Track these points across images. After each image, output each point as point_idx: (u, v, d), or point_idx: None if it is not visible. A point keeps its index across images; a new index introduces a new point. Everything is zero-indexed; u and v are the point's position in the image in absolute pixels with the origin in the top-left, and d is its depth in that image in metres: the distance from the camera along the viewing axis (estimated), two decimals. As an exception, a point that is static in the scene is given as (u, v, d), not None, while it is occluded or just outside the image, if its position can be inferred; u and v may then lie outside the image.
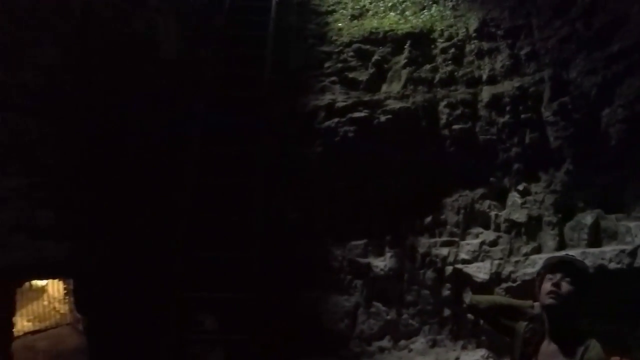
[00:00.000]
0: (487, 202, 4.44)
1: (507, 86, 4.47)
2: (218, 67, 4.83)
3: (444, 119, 4.65)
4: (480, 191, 4.47)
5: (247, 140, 4.42)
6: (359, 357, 4.36)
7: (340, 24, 5.46)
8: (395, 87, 4.88)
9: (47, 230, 4.21)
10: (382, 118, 4.69)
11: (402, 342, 4.34)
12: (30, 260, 4.18)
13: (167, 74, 4.85)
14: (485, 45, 4.73)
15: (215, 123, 4.45)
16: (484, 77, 4.68)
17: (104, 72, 4.39)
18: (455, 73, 4.79)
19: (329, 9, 5.62)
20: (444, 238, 4.46)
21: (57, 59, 4.07)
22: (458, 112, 4.61)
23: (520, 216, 4.16)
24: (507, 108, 4.41)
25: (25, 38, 3.87)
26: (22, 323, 6.19)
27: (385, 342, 4.38)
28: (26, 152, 3.95)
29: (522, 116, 4.33)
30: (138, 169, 4.57)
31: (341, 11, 5.57)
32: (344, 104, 4.76)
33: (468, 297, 3.96)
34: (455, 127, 4.59)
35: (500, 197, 4.42)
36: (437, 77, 4.83)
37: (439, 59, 4.90)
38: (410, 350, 4.26)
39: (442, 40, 4.97)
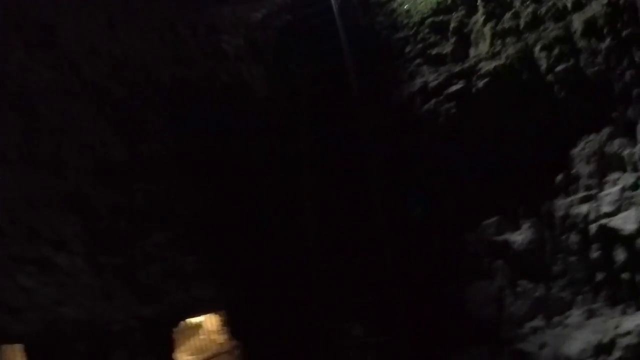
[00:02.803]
0: (617, 141, 3.93)
1: (596, 6, 3.95)
2: (305, 90, 4.98)
3: (543, 64, 4.24)
4: (606, 131, 3.98)
5: (351, 147, 4.48)
6: (511, 342, 4.08)
7: (406, 7, 5.31)
8: (483, 48, 4.59)
9: (194, 273, 4.69)
10: (479, 84, 4.42)
11: (556, 319, 3.96)
12: (183, 301, 4.67)
13: (265, 107, 5.14)
14: (561, -30, 4.23)
15: (318, 139, 4.58)
16: (569, 5, 4.18)
17: (217, 124, 4.82)
18: (539, 12, 4.36)
19: (390, -5, 5.50)
20: (581, 194, 4.03)
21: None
22: (555, 52, 4.17)
23: (656, 145, 3.62)
24: (605, 30, 3.90)
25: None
26: (183, 357, 6.85)
27: (538, 322, 4.04)
28: (167, 211, 4.46)
29: (623, 34, 3.79)
30: (262, 198, 4.87)
31: (403, -7, 5.42)
32: (437, 82, 4.59)
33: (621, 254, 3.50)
34: (558, 69, 4.16)
35: (629, 132, 3.89)
36: (522, 22, 4.44)
37: (517, 3, 4.50)
38: (566, 326, 3.87)
39: (514, -19, 4.56)
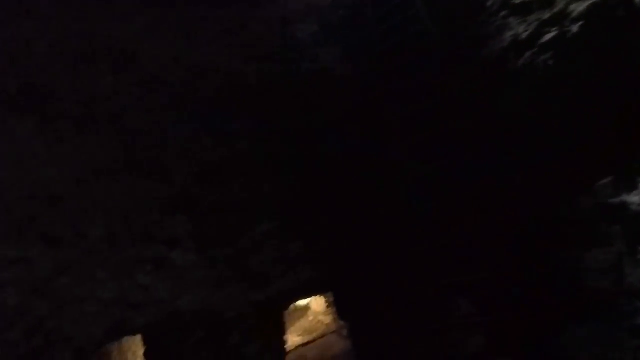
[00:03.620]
0: None
1: None
2: (386, 64, 4.86)
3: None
4: None
5: (444, 114, 4.28)
6: (632, 315, 3.58)
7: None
8: (569, -13, 4.00)
9: (301, 257, 4.90)
10: (574, 28, 3.87)
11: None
12: (291, 285, 4.91)
13: (346, 87, 5.14)
14: None
15: (406, 110, 4.46)
16: None
17: (303, 112, 4.96)
18: None
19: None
20: None
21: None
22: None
23: None
24: None
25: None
26: (293, 339, 7.23)
27: (660, 293, 3.50)
28: (269, 201, 4.70)
29: None
30: (361, 178, 4.90)
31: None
32: (527, 33, 4.13)
33: None
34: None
35: None
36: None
37: None
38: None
39: None
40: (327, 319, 7.62)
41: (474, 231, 3.93)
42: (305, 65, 4.98)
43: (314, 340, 7.01)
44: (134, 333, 3.96)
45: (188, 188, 4.23)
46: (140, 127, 3.97)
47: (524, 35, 4.14)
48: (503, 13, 4.39)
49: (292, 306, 8.15)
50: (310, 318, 8.07)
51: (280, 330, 4.97)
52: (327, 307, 7.61)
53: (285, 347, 5.17)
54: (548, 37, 4.01)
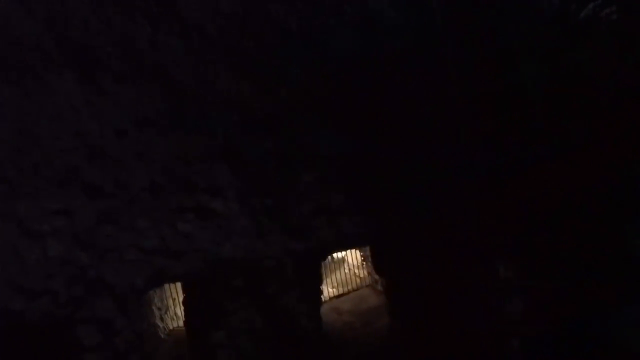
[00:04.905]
0: None
1: None
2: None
3: None
4: None
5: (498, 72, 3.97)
6: None
7: None
8: None
9: (341, 210, 4.91)
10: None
11: None
12: (330, 237, 4.95)
13: (396, 32, 4.88)
14: None
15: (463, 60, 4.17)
16: None
17: (350, 59, 4.77)
18: None
19: None
20: None
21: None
22: None
23: None
24: None
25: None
26: (328, 290, 7.40)
27: None
28: (312, 152, 4.68)
29: None
30: (404, 131, 4.77)
31: None
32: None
33: None
34: None
35: None
36: None
37: None
38: None
39: None
40: (362, 273, 7.73)
41: (523, 198, 3.74)
42: (348, 9, 4.70)
43: (348, 293, 7.14)
44: (174, 281, 4.13)
45: (230, 138, 4.23)
46: (180, 78, 3.94)
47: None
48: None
49: (328, 258, 8.30)
50: (346, 271, 8.21)
51: (316, 281, 5.09)
52: (363, 260, 7.69)
53: (321, 298, 5.32)
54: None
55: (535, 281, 3.78)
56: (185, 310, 4.72)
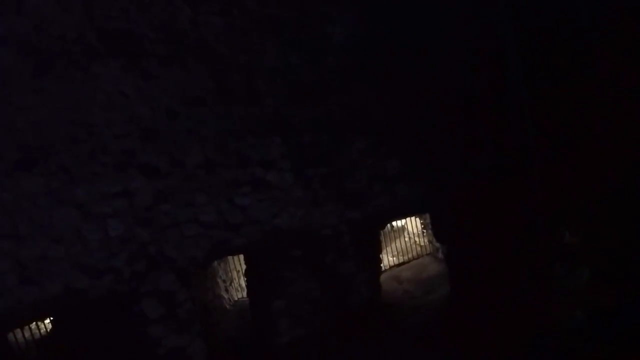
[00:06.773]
0: None
1: None
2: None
3: None
4: None
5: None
6: None
7: None
8: None
9: (398, 177, 4.79)
10: None
11: None
12: (387, 204, 4.81)
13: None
14: None
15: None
16: None
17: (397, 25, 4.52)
18: None
19: None
20: None
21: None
22: None
23: None
24: None
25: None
26: (388, 258, 7.29)
27: None
28: (363, 119, 4.56)
29: None
30: (462, 95, 4.46)
31: None
32: None
33: None
34: None
35: None
36: None
37: None
38: None
39: None
40: (423, 241, 7.52)
41: (595, 163, 3.34)
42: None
43: (408, 262, 7.01)
44: (232, 253, 4.21)
45: (279, 110, 4.17)
46: (225, 54, 3.92)
47: None
48: None
49: (387, 227, 8.18)
50: (406, 239, 8.04)
51: (375, 250, 4.99)
52: (423, 228, 7.47)
53: (381, 266, 5.23)
54: None
55: (601, 249, 3.41)
56: (246, 281, 4.84)
